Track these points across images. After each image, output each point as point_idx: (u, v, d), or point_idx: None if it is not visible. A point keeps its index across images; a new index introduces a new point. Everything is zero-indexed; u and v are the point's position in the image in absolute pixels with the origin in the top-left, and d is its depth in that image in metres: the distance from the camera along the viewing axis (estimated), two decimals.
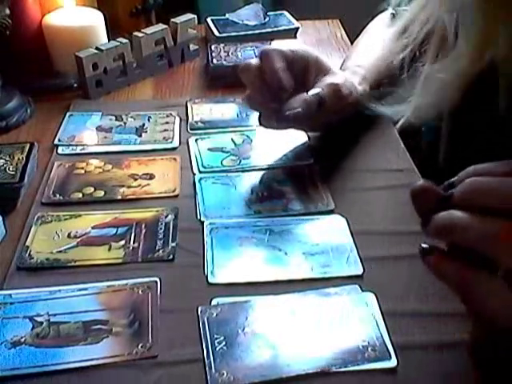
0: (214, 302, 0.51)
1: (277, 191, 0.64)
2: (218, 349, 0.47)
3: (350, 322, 0.49)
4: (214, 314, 0.50)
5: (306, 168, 0.68)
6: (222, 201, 0.63)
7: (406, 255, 0.55)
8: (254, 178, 0.67)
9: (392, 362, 0.45)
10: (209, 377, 0.44)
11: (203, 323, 0.49)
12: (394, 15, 0.79)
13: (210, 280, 0.53)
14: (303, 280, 0.53)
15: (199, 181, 0.66)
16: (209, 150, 0.72)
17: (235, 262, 0.55)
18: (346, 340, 0.47)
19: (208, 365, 0.45)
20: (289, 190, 0.65)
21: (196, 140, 0.74)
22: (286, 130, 0.68)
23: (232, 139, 0.74)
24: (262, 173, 0.68)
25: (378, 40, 0.79)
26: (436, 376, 0.45)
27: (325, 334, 0.48)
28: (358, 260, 0.55)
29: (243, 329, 0.48)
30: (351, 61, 0.77)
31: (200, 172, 0.68)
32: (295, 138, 0.73)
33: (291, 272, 0.54)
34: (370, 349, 0.46)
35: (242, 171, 0.68)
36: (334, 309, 0.50)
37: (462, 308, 0.49)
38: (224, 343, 0.47)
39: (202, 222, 0.60)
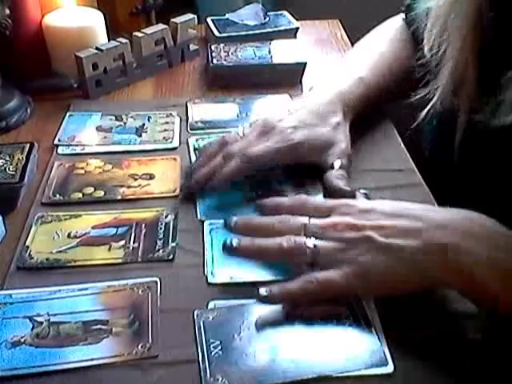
0: (210, 305, 0.51)
1: (277, 191, 0.64)
2: (213, 353, 0.46)
3: (347, 328, 0.48)
4: (210, 318, 0.49)
5: (306, 168, 0.68)
6: (222, 200, 0.63)
7: None
8: (253, 178, 0.67)
9: (389, 368, 0.45)
10: (203, 381, 0.44)
11: (199, 327, 0.48)
12: (407, 21, 0.78)
13: (210, 280, 0.53)
14: None
15: None
16: None
17: (235, 262, 0.55)
18: (342, 346, 0.47)
19: (203, 369, 0.45)
20: (289, 189, 0.64)
21: (197, 140, 0.74)
22: None
23: None
24: (262, 172, 0.67)
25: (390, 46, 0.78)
26: (434, 381, 0.45)
27: (321, 339, 0.48)
28: None
29: (239, 333, 0.48)
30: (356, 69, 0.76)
31: None
32: None
33: (292, 272, 0.53)
34: (367, 355, 0.46)
35: None
36: (332, 313, 0.49)
37: (461, 311, 0.49)
38: (219, 347, 0.47)
39: (202, 222, 0.60)
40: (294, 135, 0.64)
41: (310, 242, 0.50)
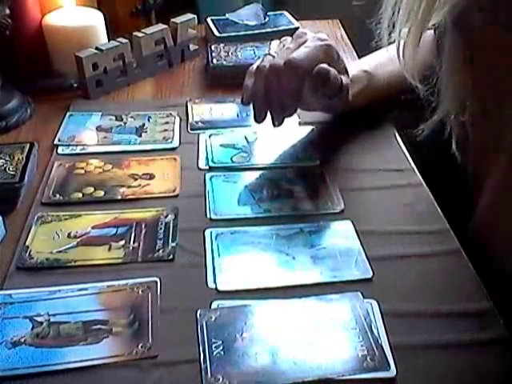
0: (213, 305, 0.50)
1: (286, 190, 0.64)
2: (214, 353, 0.46)
3: (350, 331, 0.48)
4: (213, 318, 0.49)
5: (316, 168, 0.68)
6: (231, 199, 0.63)
7: (411, 254, 0.55)
8: (264, 177, 0.67)
9: (391, 372, 0.45)
10: (204, 381, 0.44)
11: (201, 327, 0.48)
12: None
13: (218, 287, 0.52)
14: (312, 285, 0.52)
15: (210, 179, 0.66)
16: (221, 145, 0.72)
17: (241, 269, 0.54)
18: (344, 349, 0.47)
19: (204, 369, 0.45)
20: (299, 189, 0.64)
21: (210, 136, 0.74)
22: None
23: (245, 136, 0.74)
24: (272, 171, 0.68)
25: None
26: None
27: (324, 341, 0.47)
28: (367, 262, 0.54)
29: (241, 334, 0.48)
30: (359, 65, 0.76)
31: (210, 168, 0.68)
32: (304, 137, 0.73)
33: (299, 277, 0.53)
34: (368, 358, 0.45)
35: (252, 169, 0.68)
36: (335, 316, 0.49)
37: (466, 310, 0.49)
38: (221, 348, 0.47)
39: (203, 226, 0.59)
40: (326, 39, 0.67)
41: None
